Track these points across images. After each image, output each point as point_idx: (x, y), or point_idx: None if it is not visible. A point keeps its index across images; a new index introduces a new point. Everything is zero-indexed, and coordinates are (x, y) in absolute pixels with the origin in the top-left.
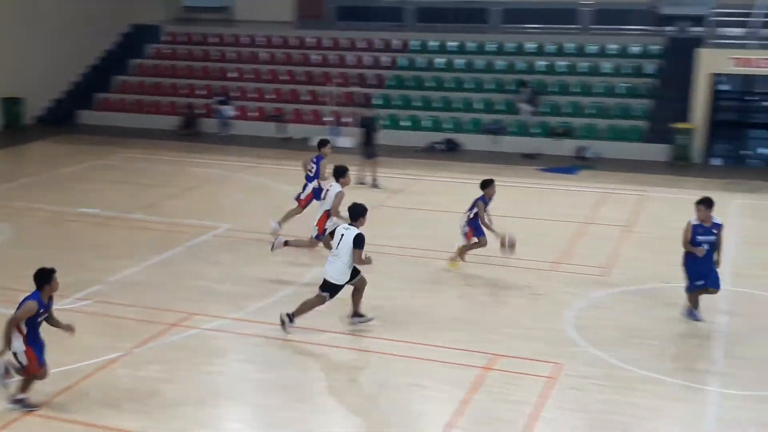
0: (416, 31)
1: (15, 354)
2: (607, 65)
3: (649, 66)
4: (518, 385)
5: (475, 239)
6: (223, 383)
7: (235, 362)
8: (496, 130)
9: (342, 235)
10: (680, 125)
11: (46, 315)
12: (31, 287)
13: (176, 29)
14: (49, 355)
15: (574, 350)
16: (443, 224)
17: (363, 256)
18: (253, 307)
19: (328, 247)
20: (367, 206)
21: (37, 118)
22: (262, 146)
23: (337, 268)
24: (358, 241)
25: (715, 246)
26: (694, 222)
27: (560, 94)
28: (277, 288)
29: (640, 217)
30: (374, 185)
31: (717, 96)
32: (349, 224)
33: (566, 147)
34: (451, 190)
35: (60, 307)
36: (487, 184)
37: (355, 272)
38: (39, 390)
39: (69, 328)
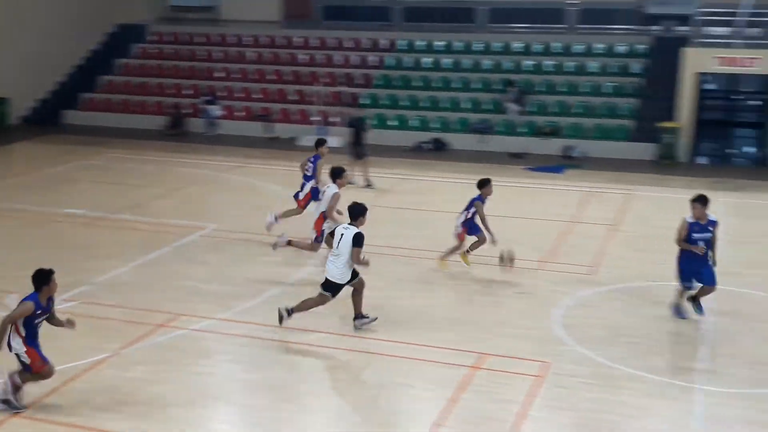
0: (403, 30)
1: (17, 355)
2: (593, 65)
3: (636, 65)
4: (506, 383)
5: (475, 237)
6: (210, 383)
7: (223, 362)
8: (484, 129)
9: (342, 234)
10: (666, 124)
11: (46, 316)
12: (21, 287)
13: (163, 29)
14: None
15: (561, 349)
16: (432, 224)
17: (362, 257)
18: (240, 308)
19: (331, 247)
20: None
21: (23, 118)
22: (249, 146)
23: (338, 268)
24: (358, 240)
25: (710, 243)
26: (690, 220)
27: (547, 94)
28: (264, 288)
29: (627, 215)
30: (368, 185)
31: (703, 95)
32: (349, 223)
33: (553, 146)
34: (439, 189)
35: None
36: (484, 184)
37: (354, 273)
38: (26, 391)
39: (69, 323)
